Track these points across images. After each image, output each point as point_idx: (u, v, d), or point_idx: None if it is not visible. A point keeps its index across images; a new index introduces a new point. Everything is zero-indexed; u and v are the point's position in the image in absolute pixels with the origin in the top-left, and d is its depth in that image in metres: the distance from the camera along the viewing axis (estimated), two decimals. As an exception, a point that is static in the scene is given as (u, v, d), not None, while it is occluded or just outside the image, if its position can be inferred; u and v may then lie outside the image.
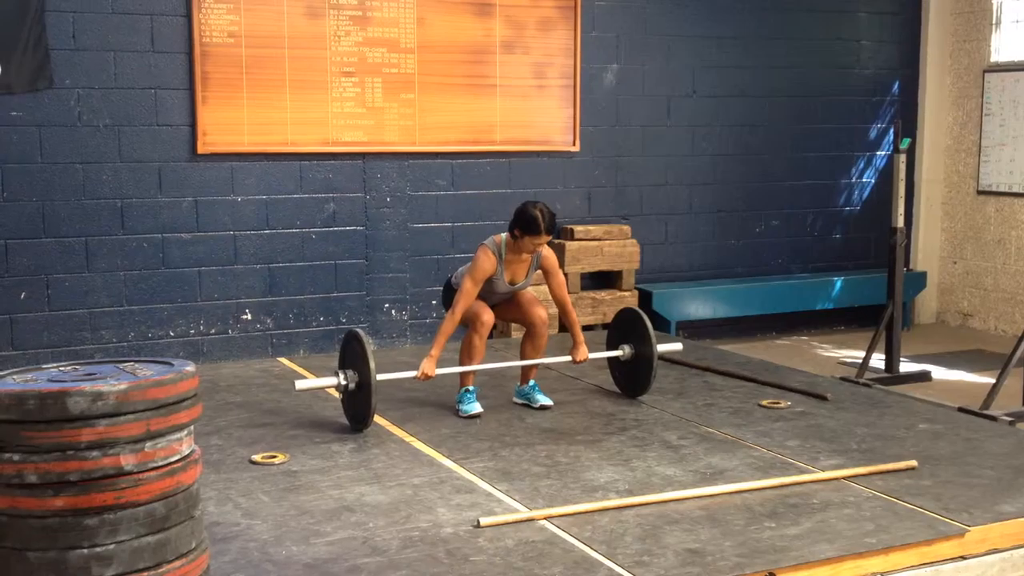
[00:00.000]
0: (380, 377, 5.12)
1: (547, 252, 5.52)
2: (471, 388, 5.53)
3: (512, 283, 5.53)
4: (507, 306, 5.68)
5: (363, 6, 7.30)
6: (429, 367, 5.32)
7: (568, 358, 5.68)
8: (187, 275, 7.03)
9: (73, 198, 6.71)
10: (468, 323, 5.48)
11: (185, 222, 7.01)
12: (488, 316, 5.46)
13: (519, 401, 5.73)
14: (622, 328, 5.91)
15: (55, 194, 6.66)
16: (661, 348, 5.76)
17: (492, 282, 5.46)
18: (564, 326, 5.82)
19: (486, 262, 5.38)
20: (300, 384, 5.29)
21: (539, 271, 5.58)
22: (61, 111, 6.63)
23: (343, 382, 5.18)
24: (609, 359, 5.92)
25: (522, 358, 5.68)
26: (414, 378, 5.37)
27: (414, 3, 7.42)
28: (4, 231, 6.57)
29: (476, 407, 5.48)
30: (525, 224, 5.29)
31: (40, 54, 6.47)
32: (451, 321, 5.35)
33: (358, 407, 5.20)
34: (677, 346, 6.18)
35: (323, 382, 5.31)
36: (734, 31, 8.60)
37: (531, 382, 5.71)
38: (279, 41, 7.09)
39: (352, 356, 5.25)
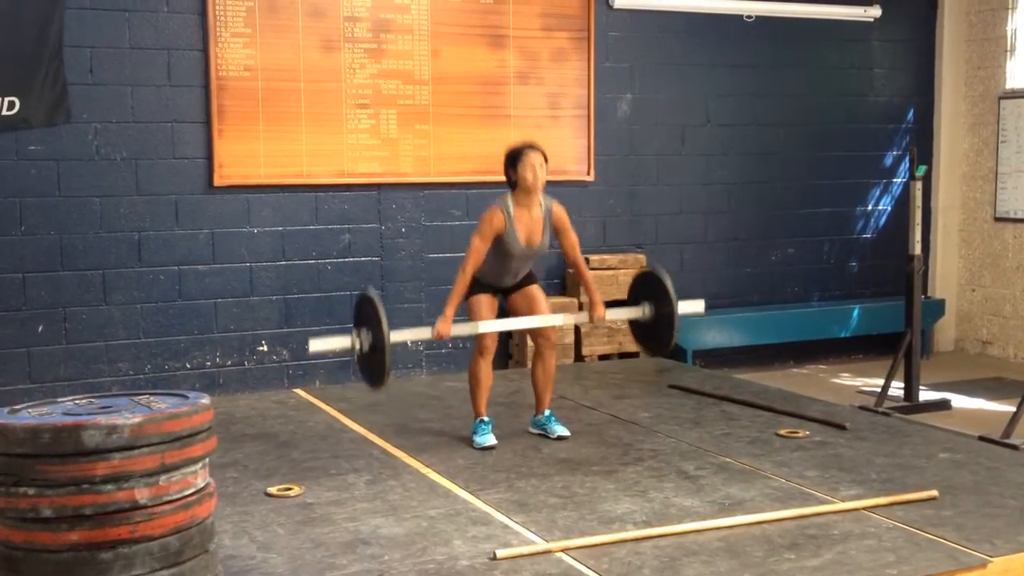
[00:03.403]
0: (394, 338, 5.09)
1: (558, 209, 5.39)
2: (486, 419, 5.50)
3: (529, 244, 5.34)
4: (522, 301, 5.51)
5: (378, 39, 7.35)
6: (444, 326, 5.24)
7: (586, 318, 5.60)
8: (203, 307, 7.05)
9: (90, 231, 6.75)
10: (475, 349, 5.44)
11: (201, 254, 7.03)
12: (491, 339, 5.39)
13: (535, 431, 5.69)
14: (642, 289, 5.76)
15: (72, 227, 6.70)
16: (682, 308, 5.61)
17: (506, 243, 5.29)
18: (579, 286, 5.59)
19: (493, 217, 5.26)
20: (314, 345, 5.32)
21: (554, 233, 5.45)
22: (79, 145, 6.68)
23: (357, 344, 5.17)
24: (629, 320, 5.81)
25: (533, 383, 5.62)
26: (430, 337, 5.32)
27: (428, 35, 7.47)
28: (22, 264, 6.60)
29: (490, 439, 5.43)
30: (512, 157, 5.24)
31: (58, 89, 6.52)
32: (462, 278, 5.27)
33: (373, 368, 5.19)
34: (699, 306, 5.94)
35: (337, 343, 5.34)
36: (747, 59, 8.61)
37: (547, 412, 5.67)
38: (295, 74, 7.14)
39: (365, 318, 5.23)
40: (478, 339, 5.41)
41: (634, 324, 5.83)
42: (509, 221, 5.30)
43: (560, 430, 5.59)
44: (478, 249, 5.28)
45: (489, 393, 5.53)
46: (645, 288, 5.73)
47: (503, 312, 5.60)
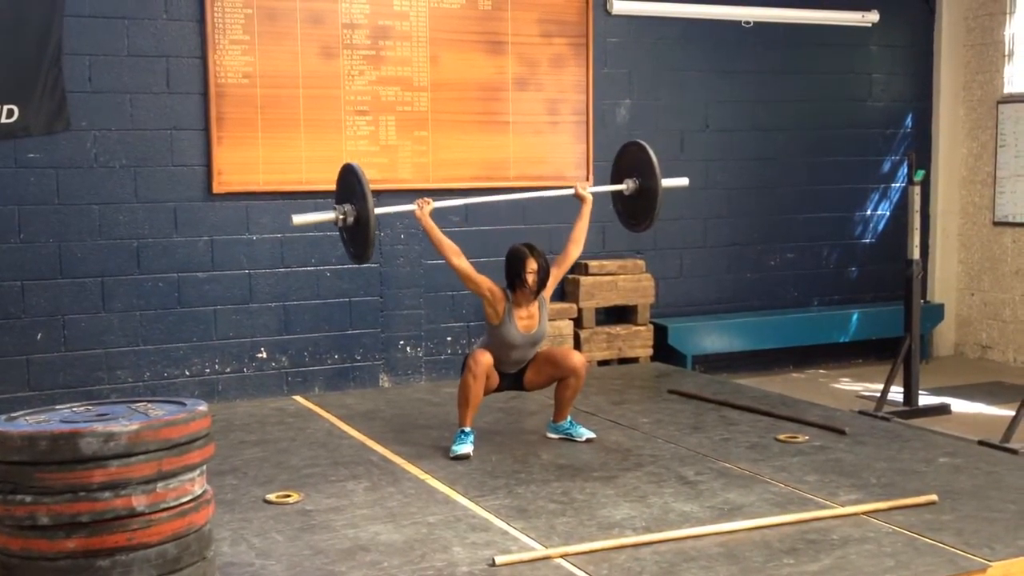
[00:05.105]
0: (378, 211, 5.14)
1: (544, 293, 5.49)
2: (467, 430, 5.44)
3: (527, 331, 5.44)
4: (539, 369, 5.58)
5: (376, 45, 7.36)
6: (425, 212, 5.37)
7: (571, 190, 5.71)
8: (202, 314, 7.05)
9: (89, 239, 6.75)
10: (465, 365, 5.43)
11: (200, 261, 7.03)
12: (484, 358, 5.35)
13: (554, 436, 5.68)
14: (625, 163, 5.78)
15: (71, 235, 6.71)
16: (666, 183, 5.62)
17: (506, 333, 5.39)
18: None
19: (496, 289, 5.39)
20: (297, 218, 5.36)
21: (548, 307, 5.57)
22: (78, 153, 6.69)
23: (341, 217, 5.19)
24: (613, 195, 5.86)
25: (559, 395, 5.61)
26: (413, 212, 5.42)
27: (427, 42, 7.48)
28: (21, 272, 6.60)
29: (464, 448, 5.34)
30: (510, 262, 5.36)
31: (57, 97, 6.53)
32: (456, 251, 5.41)
33: (358, 242, 5.23)
34: (683, 181, 5.94)
35: (321, 216, 5.40)
36: (746, 65, 8.62)
37: (568, 418, 5.68)
38: (293, 81, 7.14)
39: (349, 191, 5.25)
40: (470, 354, 5.41)
41: (618, 199, 5.85)
42: (508, 311, 5.39)
43: (587, 433, 5.64)
44: (465, 268, 5.39)
45: (476, 410, 5.50)
46: (629, 163, 5.74)
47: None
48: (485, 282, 5.42)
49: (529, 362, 5.60)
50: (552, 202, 7.93)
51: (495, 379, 5.52)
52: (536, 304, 5.48)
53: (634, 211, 5.86)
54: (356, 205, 5.17)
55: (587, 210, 5.72)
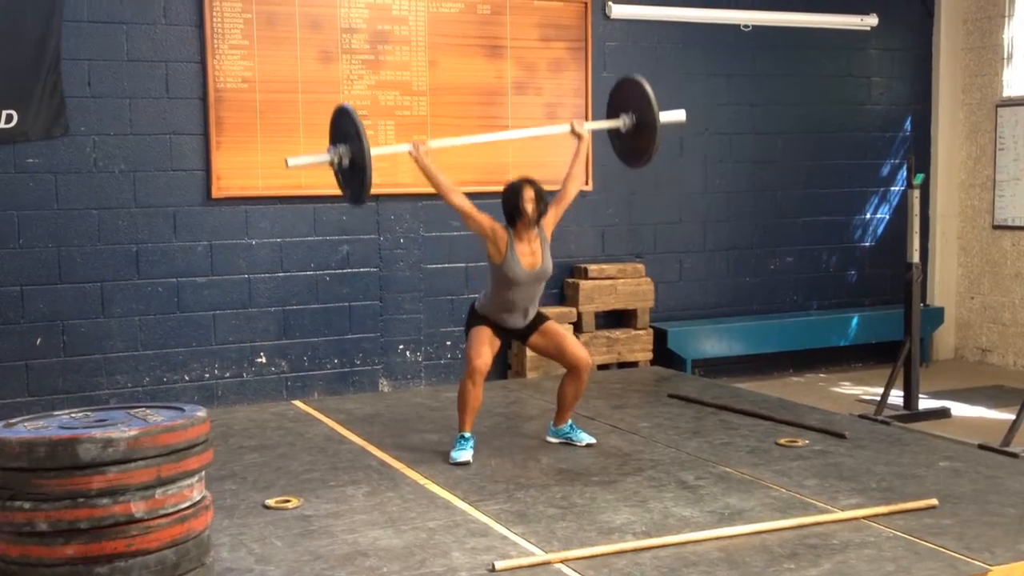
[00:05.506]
0: (374, 151, 5.08)
1: (543, 220, 5.42)
2: (467, 435, 5.41)
3: (531, 267, 5.36)
4: (548, 338, 5.52)
5: (375, 50, 7.36)
6: (421, 151, 5.30)
7: (566, 127, 5.64)
8: (202, 319, 7.04)
9: (88, 244, 6.75)
10: (465, 371, 5.40)
11: (200, 266, 7.03)
12: (482, 362, 5.31)
13: (554, 440, 5.67)
14: (622, 99, 5.69)
15: (71, 240, 6.70)
16: (664, 116, 5.52)
17: (510, 270, 5.30)
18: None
19: (496, 225, 5.33)
20: (292, 161, 5.31)
21: (550, 238, 5.51)
22: (77, 157, 6.69)
23: (336, 158, 5.16)
24: (610, 131, 5.74)
25: (561, 397, 5.58)
26: (408, 152, 5.34)
27: (426, 46, 7.48)
28: (20, 277, 6.60)
29: (465, 455, 5.32)
30: (507, 196, 5.30)
31: (56, 102, 6.53)
32: (455, 189, 5.36)
33: (354, 183, 5.19)
34: (680, 114, 5.80)
35: (315, 159, 5.35)
36: (745, 69, 8.62)
37: (569, 422, 5.66)
38: (292, 86, 7.15)
39: (342, 133, 5.20)
40: (469, 363, 5.36)
41: (615, 135, 5.77)
42: (511, 246, 5.34)
43: (587, 438, 5.61)
44: (466, 206, 5.32)
45: (475, 415, 5.49)
46: (625, 98, 5.65)
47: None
48: (486, 219, 5.35)
49: (539, 327, 5.52)
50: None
51: (496, 345, 5.48)
52: (538, 240, 5.41)
53: (632, 148, 5.72)
54: (351, 146, 5.11)
55: (583, 148, 5.65)
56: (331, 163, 5.19)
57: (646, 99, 5.53)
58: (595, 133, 8.06)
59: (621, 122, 5.63)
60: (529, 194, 5.31)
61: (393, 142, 7.43)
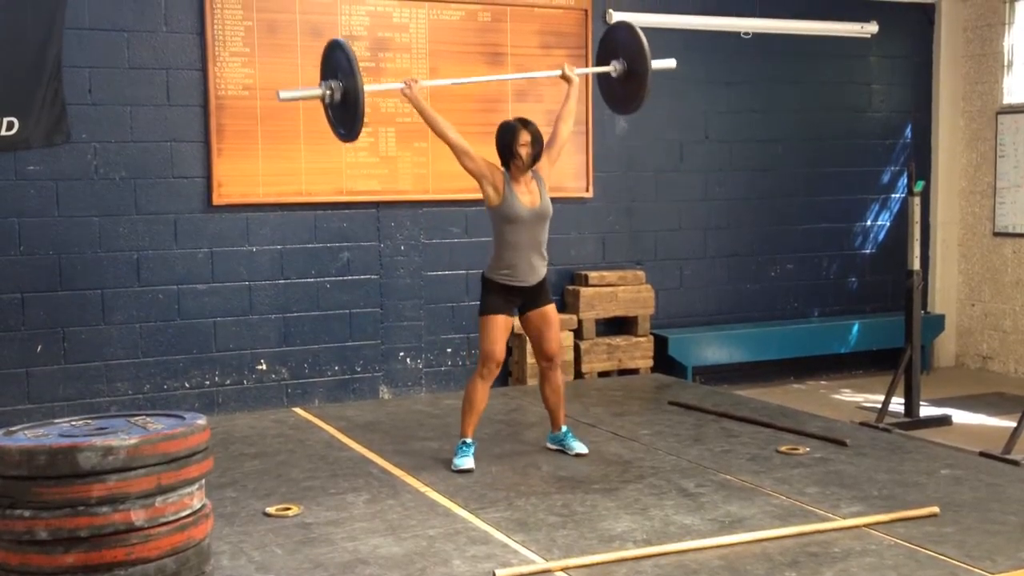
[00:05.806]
0: (366, 88, 5.04)
1: (539, 164, 5.39)
2: (469, 441, 5.42)
3: (532, 206, 5.33)
4: (539, 322, 5.45)
5: (376, 57, 7.37)
6: (414, 90, 5.26)
7: (558, 72, 5.60)
8: (202, 326, 7.04)
9: (89, 251, 6.75)
10: (479, 363, 5.37)
11: (200, 273, 7.03)
12: (499, 350, 5.31)
13: (553, 447, 5.67)
14: (613, 45, 5.65)
15: (71, 247, 6.70)
16: (655, 64, 5.48)
17: (511, 209, 5.26)
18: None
19: (495, 167, 5.30)
20: (284, 94, 5.26)
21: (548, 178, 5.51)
22: (78, 165, 6.69)
23: (328, 92, 5.12)
24: (600, 78, 5.71)
25: (544, 403, 5.60)
26: (401, 91, 5.30)
27: (427, 54, 7.48)
28: (21, 284, 6.60)
29: (467, 463, 5.33)
30: (501, 136, 5.27)
31: (57, 109, 6.53)
32: (449, 126, 5.33)
33: (346, 119, 5.16)
34: (671, 62, 5.76)
35: (307, 92, 5.31)
36: (746, 75, 8.63)
37: (564, 428, 5.65)
38: (293, 93, 7.14)
39: (334, 68, 5.16)
40: (485, 354, 5.35)
41: (605, 81, 5.74)
42: (508, 185, 5.29)
43: (578, 447, 5.59)
44: (461, 143, 5.29)
45: (479, 418, 5.49)
46: (616, 44, 5.61)
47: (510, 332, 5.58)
48: (481, 158, 5.33)
49: (541, 304, 5.45)
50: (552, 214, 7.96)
51: (509, 329, 5.44)
52: (534, 181, 5.39)
53: (623, 94, 5.69)
54: (344, 81, 5.08)
55: (574, 91, 5.60)
56: (322, 97, 5.17)
57: (637, 44, 5.49)
58: (599, 141, 8.16)
59: (612, 68, 5.60)
60: (525, 138, 5.27)
61: (394, 149, 7.45)
